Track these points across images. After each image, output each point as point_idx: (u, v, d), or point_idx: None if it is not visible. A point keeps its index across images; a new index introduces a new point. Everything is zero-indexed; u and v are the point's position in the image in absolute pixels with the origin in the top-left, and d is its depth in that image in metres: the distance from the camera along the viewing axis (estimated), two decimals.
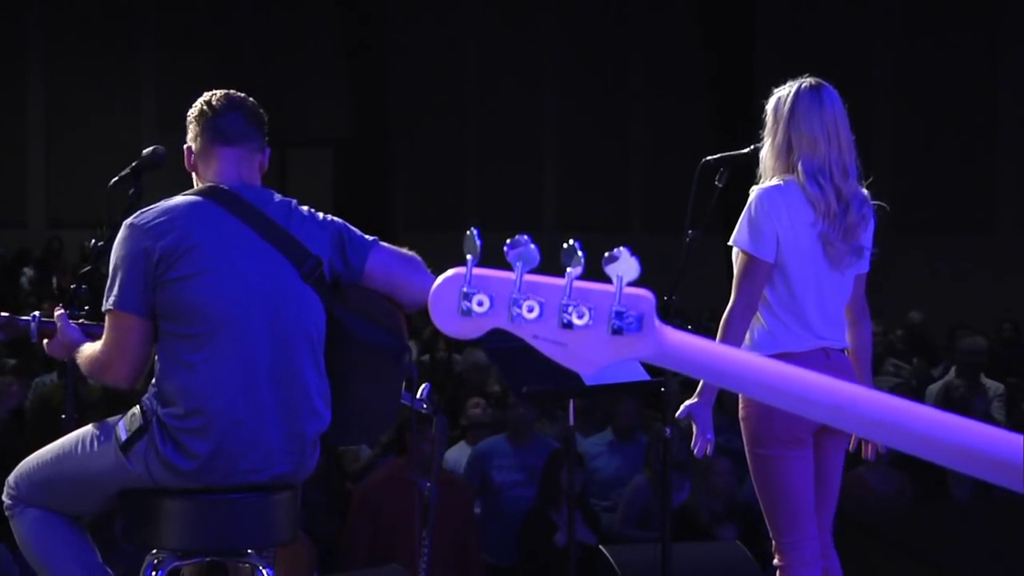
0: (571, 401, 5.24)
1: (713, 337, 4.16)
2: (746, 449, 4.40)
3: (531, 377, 4.91)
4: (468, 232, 1.67)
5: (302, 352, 3.76)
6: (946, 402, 9.04)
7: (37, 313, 4.26)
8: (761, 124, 4.45)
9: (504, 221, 16.89)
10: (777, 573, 4.37)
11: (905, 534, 6.45)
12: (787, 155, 4.35)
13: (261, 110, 3.93)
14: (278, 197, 3.86)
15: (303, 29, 20.59)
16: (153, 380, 3.77)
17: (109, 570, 3.95)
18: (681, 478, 7.61)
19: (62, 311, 4.05)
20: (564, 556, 5.22)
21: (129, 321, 3.72)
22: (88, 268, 4.33)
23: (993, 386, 9.99)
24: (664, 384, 4.81)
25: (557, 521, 7.32)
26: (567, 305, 1.67)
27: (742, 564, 5.79)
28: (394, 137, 19.51)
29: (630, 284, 1.68)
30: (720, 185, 4.63)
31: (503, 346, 4.89)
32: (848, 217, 4.33)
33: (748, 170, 4.50)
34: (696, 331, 1.82)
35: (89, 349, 3.87)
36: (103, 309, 3.77)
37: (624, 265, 1.67)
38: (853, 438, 4.48)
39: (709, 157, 4.66)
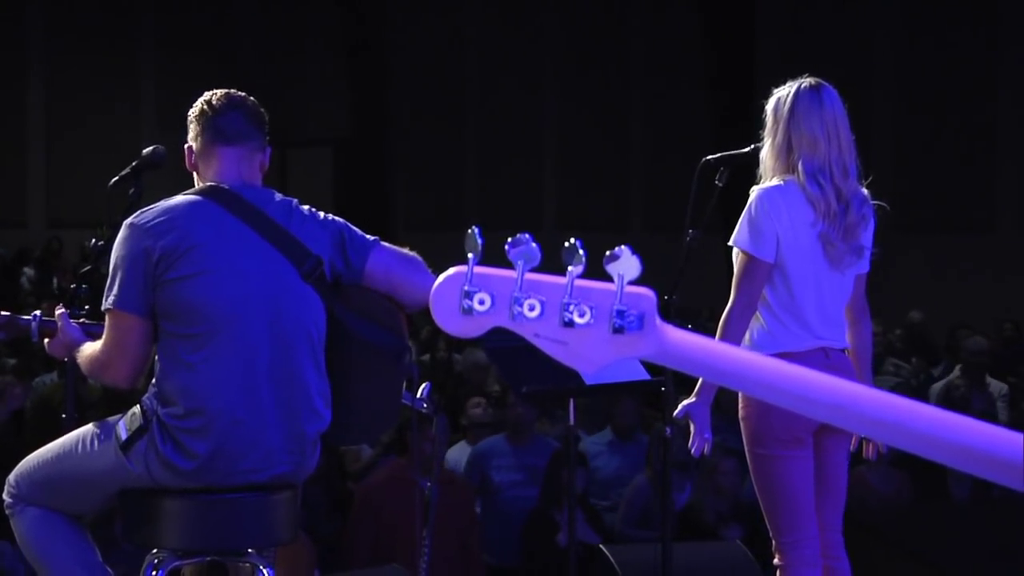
0: (571, 401, 5.24)
1: (712, 337, 4.16)
2: (746, 449, 4.40)
3: (531, 377, 4.91)
4: (469, 231, 1.67)
5: (302, 352, 3.76)
6: (947, 401, 9.05)
7: (38, 313, 4.26)
8: (761, 124, 4.45)
9: (504, 221, 16.88)
10: (777, 573, 4.38)
11: (905, 533, 6.46)
12: (787, 155, 4.35)
13: (262, 109, 3.93)
14: (279, 197, 3.86)
15: (303, 29, 20.60)
16: (153, 380, 3.77)
17: (109, 569, 3.95)
18: (682, 478, 7.61)
19: (63, 311, 4.05)
20: (566, 556, 5.22)
21: (129, 321, 3.72)
22: (88, 268, 4.33)
23: (997, 387, 9.99)
24: (664, 384, 4.81)
25: (560, 521, 7.32)
26: (568, 304, 1.67)
27: (743, 564, 5.78)
28: (394, 137, 19.51)
29: (631, 283, 1.68)
30: (720, 185, 4.63)
31: (503, 345, 4.89)
32: (848, 217, 4.33)
33: (748, 170, 4.50)
34: (695, 331, 1.82)
35: (89, 349, 3.87)
36: (103, 308, 3.77)
37: (625, 264, 1.67)
38: (854, 437, 4.48)
39: (709, 157, 4.66)
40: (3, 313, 4.30)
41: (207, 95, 3.90)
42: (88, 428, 3.89)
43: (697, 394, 4.42)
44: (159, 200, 3.79)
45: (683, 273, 4.69)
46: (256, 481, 3.75)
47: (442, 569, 6.47)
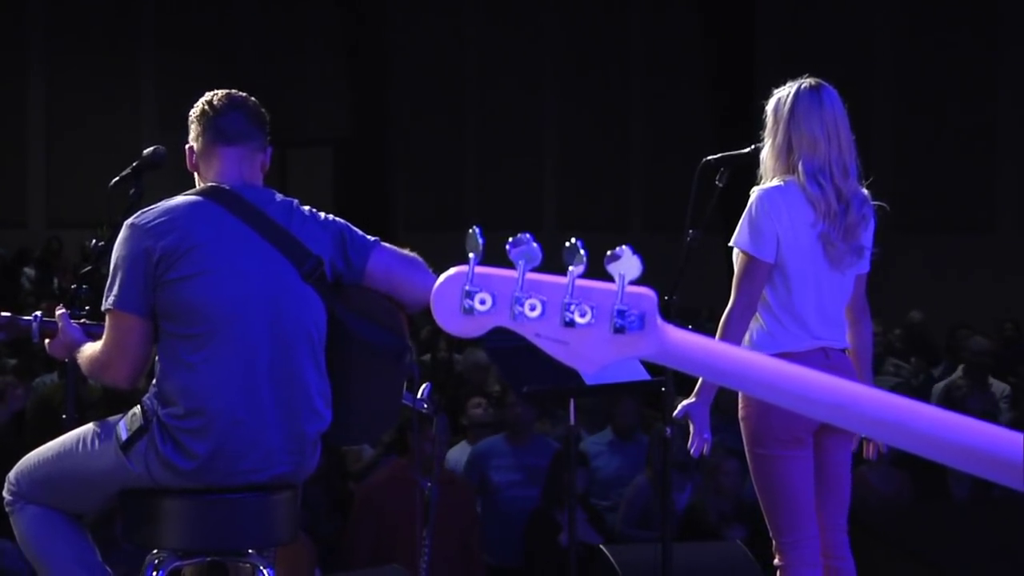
0: (572, 401, 5.23)
1: (713, 337, 4.16)
2: (746, 449, 4.40)
3: (532, 377, 4.91)
4: (470, 230, 1.67)
5: (302, 352, 3.76)
6: (947, 401, 9.04)
7: (39, 313, 4.26)
8: (761, 124, 4.45)
9: (504, 221, 16.88)
10: (777, 573, 4.37)
11: (905, 533, 6.45)
12: (787, 155, 4.35)
13: (263, 110, 3.93)
14: (279, 197, 3.87)
15: (303, 29, 20.59)
16: (153, 380, 3.77)
17: (109, 569, 3.95)
18: (682, 478, 7.61)
19: (63, 311, 4.05)
20: (567, 556, 5.22)
21: (129, 321, 3.72)
22: (89, 268, 4.33)
23: (1000, 387, 9.99)
24: (664, 384, 4.81)
25: (561, 521, 7.32)
26: (569, 303, 1.67)
27: (743, 564, 5.78)
28: (394, 137, 19.50)
29: (632, 283, 1.68)
30: (720, 185, 4.63)
31: (504, 345, 4.89)
32: (848, 217, 4.33)
33: (748, 170, 4.50)
34: (696, 331, 1.82)
35: (90, 349, 3.87)
36: (103, 309, 3.77)
37: (626, 264, 1.67)
38: (856, 438, 4.47)
39: (709, 157, 4.66)
40: (4, 314, 4.30)
41: (208, 95, 3.90)
42: (89, 427, 3.89)
43: (697, 394, 4.42)
44: (159, 200, 3.79)
45: (683, 273, 4.68)
46: (256, 481, 3.76)
47: (442, 569, 6.47)
